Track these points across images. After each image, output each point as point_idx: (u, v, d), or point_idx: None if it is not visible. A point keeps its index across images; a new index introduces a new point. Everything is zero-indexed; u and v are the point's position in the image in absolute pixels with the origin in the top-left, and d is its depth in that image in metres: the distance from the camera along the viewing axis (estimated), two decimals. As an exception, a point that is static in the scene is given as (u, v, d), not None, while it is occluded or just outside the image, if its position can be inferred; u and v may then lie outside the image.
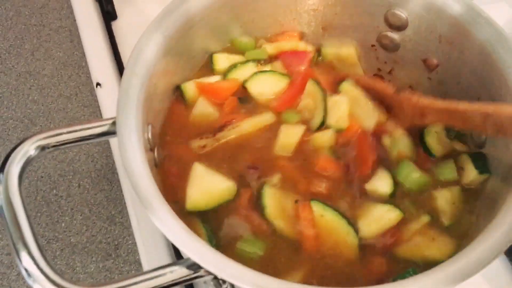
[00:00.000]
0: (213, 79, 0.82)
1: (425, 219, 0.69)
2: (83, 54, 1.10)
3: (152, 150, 0.70)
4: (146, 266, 0.81)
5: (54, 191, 1.01)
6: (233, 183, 0.70)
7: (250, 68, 0.82)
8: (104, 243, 1.10)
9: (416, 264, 0.67)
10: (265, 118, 0.78)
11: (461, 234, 0.69)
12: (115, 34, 1.11)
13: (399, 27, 0.82)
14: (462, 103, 0.68)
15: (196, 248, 0.54)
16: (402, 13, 0.80)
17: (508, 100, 0.67)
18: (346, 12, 0.85)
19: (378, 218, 0.68)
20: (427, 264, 0.66)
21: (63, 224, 0.96)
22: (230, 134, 0.76)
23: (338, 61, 0.86)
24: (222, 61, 0.83)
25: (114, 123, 0.63)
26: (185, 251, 0.54)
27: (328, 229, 0.67)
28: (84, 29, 1.15)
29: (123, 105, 0.63)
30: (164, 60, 0.71)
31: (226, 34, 0.84)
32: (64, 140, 0.61)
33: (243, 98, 0.81)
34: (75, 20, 1.18)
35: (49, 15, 1.28)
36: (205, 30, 0.79)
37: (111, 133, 0.64)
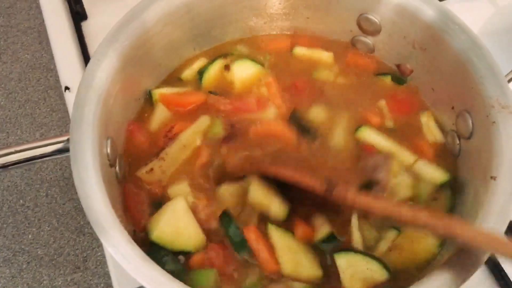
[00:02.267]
0: (182, 89, 0.79)
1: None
2: (52, 56, 1.06)
3: (112, 165, 0.67)
4: (115, 279, 0.78)
5: (21, 201, 0.98)
6: (203, 237, 0.66)
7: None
8: (73, 255, 1.05)
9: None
10: (201, 122, 0.75)
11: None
12: (85, 35, 1.07)
13: (372, 32, 0.80)
14: (417, 211, 0.56)
15: (152, 278, 0.51)
16: (374, 18, 0.77)
17: (481, 112, 0.64)
18: (318, 16, 0.82)
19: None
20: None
21: (30, 236, 0.93)
22: (172, 150, 0.72)
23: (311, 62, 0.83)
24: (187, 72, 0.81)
25: (69, 140, 0.60)
26: (141, 281, 0.51)
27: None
28: (53, 30, 1.10)
29: (77, 122, 0.59)
30: (123, 72, 0.67)
31: (189, 44, 0.81)
32: (13, 161, 0.57)
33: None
34: (43, 21, 1.14)
35: (17, 16, 1.24)
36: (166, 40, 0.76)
37: (65, 151, 0.61)
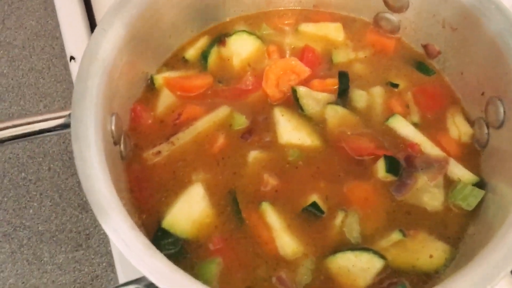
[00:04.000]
0: (187, 72, 0.75)
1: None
2: (57, 24, 1.02)
3: (116, 143, 0.63)
4: (117, 259, 0.75)
5: (23, 174, 0.94)
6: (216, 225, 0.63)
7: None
8: (75, 232, 1.03)
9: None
10: (220, 112, 0.72)
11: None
12: (92, 2, 1.02)
13: (399, 8, 0.74)
14: None
15: (154, 266, 0.48)
16: (402, -7, 0.72)
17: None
18: (340, -11, 0.77)
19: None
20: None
21: (31, 210, 0.90)
22: (185, 136, 0.69)
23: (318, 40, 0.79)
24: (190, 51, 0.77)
25: (70, 116, 0.56)
26: (142, 270, 0.47)
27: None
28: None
29: (79, 97, 0.55)
30: (130, 44, 0.63)
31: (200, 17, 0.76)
32: (10, 136, 0.53)
33: (220, 79, 0.75)
34: (50, -14, 1.09)
35: (22, -21, 1.18)
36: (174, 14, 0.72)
37: (67, 126, 0.57)
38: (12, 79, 1.05)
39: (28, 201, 0.93)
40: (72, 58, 0.97)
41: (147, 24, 0.67)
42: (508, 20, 0.62)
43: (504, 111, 0.62)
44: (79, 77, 0.56)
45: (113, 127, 0.61)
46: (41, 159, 1.04)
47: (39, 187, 0.93)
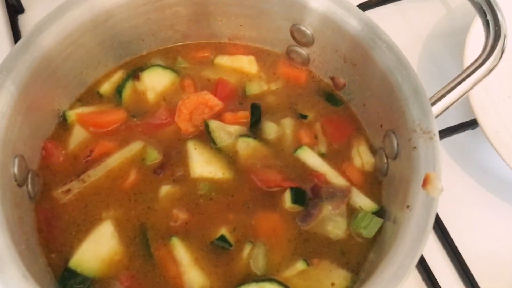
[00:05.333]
0: (101, 107, 0.76)
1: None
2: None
3: (21, 184, 0.63)
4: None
5: None
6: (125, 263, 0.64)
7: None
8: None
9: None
10: (133, 147, 0.73)
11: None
12: (21, 29, 1.02)
13: (306, 43, 0.77)
14: None
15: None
16: (306, 29, 0.75)
17: (405, 134, 0.63)
18: (252, 25, 0.79)
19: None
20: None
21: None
22: (97, 173, 0.70)
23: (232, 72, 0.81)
24: (105, 86, 0.78)
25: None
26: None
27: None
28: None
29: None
30: (29, 93, 0.63)
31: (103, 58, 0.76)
32: None
33: (134, 113, 0.76)
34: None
35: (-51, 5, 1.15)
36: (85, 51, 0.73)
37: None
38: None
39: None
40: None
41: (52, 65, 0.67)
42: (396, 58, 0.66)
43: (397, 144, 0.66)
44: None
45: (15, 170, 0.61)
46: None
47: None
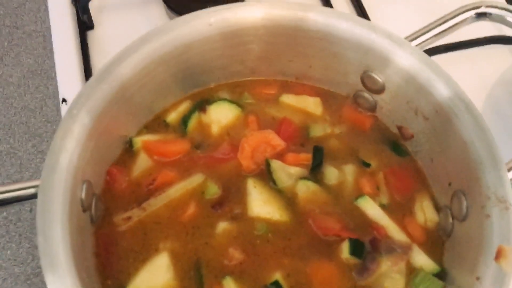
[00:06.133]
0: (167, 136, 0.76)
1: None
2: (54, 64, 1.04)
3: (86, 210, 0.64)
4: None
5: (4, 213, 0.97)
6: None
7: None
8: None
9: None
10: (195, 180, 0.73)
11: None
12: (90, 45, 1.05)
13: (376, 90, 0.76)
14: None
15: None
16: (378, 78, 0.74)
17: (477, 199, 0.61)
18: (321, 66, 0.79)
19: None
20: None
21: (8, 252, 0.92)
22: (157, 202, 0.70)
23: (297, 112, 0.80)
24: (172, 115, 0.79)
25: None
26: None
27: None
28: (58, 36, 1.09)
29: (50, 171, 0.57)
30: (106, 116, 0.65)
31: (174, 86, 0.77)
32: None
33: (198, 145, 0.76)
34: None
35: (25, 17, 1.21)
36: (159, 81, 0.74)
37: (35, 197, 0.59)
38: (4, 117, 1.06)
39: (7, 241, 0.94)
40: (64, 100, 0.99)
41: (127, 94, 0.69)
42: (475, 119, 0.64)
43: (467, 206, 0.63)
44: (51, 152, 0.58)
45: (83, 196, 0.63)
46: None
47: (19, 228, 0.94)
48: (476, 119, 0.64)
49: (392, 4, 1.14)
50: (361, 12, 1.09)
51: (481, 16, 0.69)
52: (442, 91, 0.67)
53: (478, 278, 0.55)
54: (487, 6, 0.69)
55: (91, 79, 0.65)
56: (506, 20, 0.68)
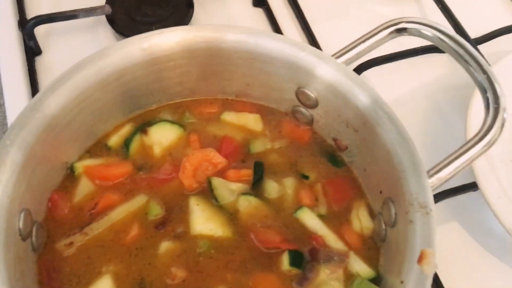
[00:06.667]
0: (109, 159, 0.78)
1: None
2: (2, 90, 1.04)
3: (25, 238, 0.65)
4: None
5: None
6: None
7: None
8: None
9: None
10: (137, 202, 0.74)
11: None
12: (37, 70, 1.05)
13: (310, 105, 0.79)
14: None
15: None
16: (311, 93, 0.77)
17: (402, 206, 0.64)
18: (258, 85, 0.82)
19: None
20: None
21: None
22: (100, 226, 0.71)
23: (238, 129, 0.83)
24: (113, 138, 0.80)
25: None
26: None
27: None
28: (5, 62, 1.08)
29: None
30: (42, 146, 0.66)
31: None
32: None
33: (140, 167, 0.78)
34: (-2, 52, 1.11)
35: (-29, 44, 1.20)
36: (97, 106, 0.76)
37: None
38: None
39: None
40: (12, 126, 0.99)
41: (63, 121, 0.70)
42: (397, 129, 0.67)
43: (395, 213, 0.67)
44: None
45: (21, 225, 0.63)
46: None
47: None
48: (398, 128, 0.67)
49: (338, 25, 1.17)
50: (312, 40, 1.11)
51: (401, 31, 0.73)
52: (364, 102, 0.70)
53: (402, 282, 0.58)
54: (407, 22, 0.73)
55: (24, 109, 0.66)
56: (423, 33, 0.71)
